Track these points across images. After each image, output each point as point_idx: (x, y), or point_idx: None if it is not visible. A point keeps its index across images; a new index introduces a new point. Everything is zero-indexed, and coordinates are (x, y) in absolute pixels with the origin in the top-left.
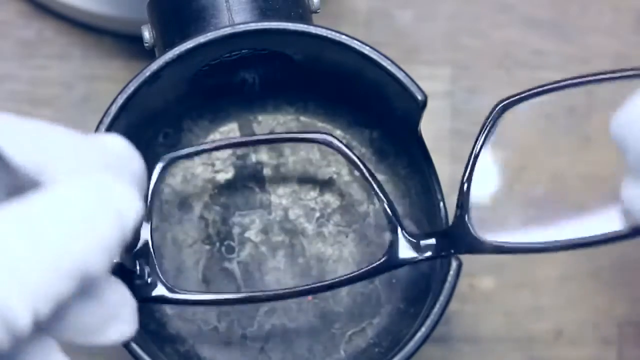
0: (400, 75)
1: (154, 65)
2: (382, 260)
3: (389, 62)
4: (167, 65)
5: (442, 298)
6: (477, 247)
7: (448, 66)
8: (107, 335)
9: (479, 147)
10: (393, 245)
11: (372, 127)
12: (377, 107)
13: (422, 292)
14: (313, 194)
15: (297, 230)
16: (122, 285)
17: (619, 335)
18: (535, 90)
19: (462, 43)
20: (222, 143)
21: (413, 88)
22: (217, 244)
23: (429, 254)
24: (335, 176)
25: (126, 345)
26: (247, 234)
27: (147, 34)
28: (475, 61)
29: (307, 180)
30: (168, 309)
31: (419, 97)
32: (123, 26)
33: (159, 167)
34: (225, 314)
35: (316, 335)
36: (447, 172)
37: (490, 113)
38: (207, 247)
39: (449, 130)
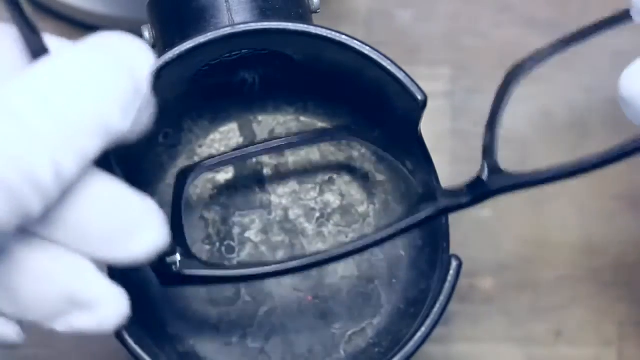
0: (400, 75)
1: (154, 65)
2: (428, 209)
3: (389, 62)
4: (167, 65)
5: (442, 298)
6: (509, 183)
7: (448, 66)
8: (133, 245)
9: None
10: (432, 195)
11: (372, 127)
12: (377, 107)
13: (422, 292)
14: (313, 194)
15: (297, 230)
16: (144, 194)
17: (619, 335)
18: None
19: (462, 43)
20: (254, 150)
21: (413, 88)
22: (217, 244)
23: (468, 198)
24: (335, 176)
25: (126, 345)
26: (247, 234)
27: (147, 34)
28: (475, 61)
29: (307, 180)
30: (168, 309)
31: (419, 97)
32: (123, 26)
33: (192, 177)
34: (226, 314)
35: (316, 335)
36: (447, 172)
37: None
38: (207, 247)
39: (449, 130)
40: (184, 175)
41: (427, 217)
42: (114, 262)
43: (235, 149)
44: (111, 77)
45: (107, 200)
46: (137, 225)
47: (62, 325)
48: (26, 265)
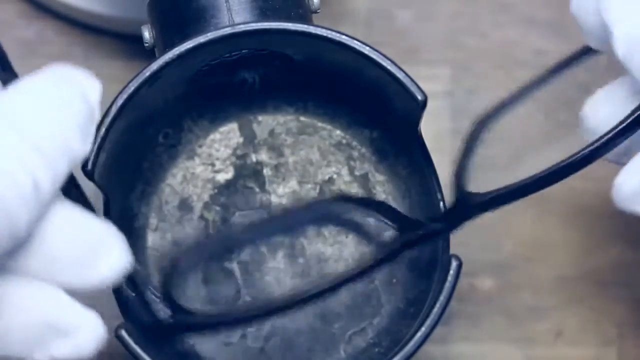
0: (400, 75)
1: (154, 65)
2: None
3: (389, 62)
4: (167, 65)
5: (442, 298)
6: (484, 206)
7: (448, 66)
8: (100, 269)
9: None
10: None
11: (372, 127)
12: (377, 107)
13: (422, 292)
14: (313, 194)
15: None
16: (105, 220)
17: (619, 335)
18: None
19: (462, 43)
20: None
21: (413, 88)
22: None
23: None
24: (335, 176)
25: (126, 345)
26: None
27: (147, 34)
28: (475, 61)
29: (307, 180)
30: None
31: (419, 97)
32: (123, 26)
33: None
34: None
35: (316, 335)
36: (447, 172)
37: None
38: None
39: (449, 130)
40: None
41: (402, 247)
42: (83, 287)
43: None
44: (69, 103)
45: (71, 227)
46: (101, 249)
47: (42, 355)
48: (1, 300)
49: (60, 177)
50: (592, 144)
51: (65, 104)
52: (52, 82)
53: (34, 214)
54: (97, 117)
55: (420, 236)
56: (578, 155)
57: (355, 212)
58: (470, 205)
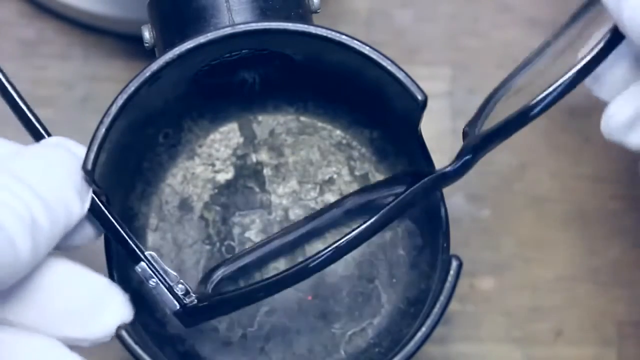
0: (400, 75)
1: (154, 65)
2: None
3: (389, 62)
4: (167, 65)
5: (442, 298)
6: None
7: (448, 66)
8: (99, 323)
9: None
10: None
11: (372, 127)
12: (377, 107)
13: (422, 292)
14: (313, 194)
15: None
16: (104, 276)
17: (619, 335)
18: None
19: (462, 43)
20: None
21: (413, 88)
22: (217, 244)
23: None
24: (335, 176)
25: (126, 345)
26: (247, 234)
27: (147, 34)
28: (475, 61)
29: (307, 180)
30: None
31: (419, 97)
32: (123, 26)
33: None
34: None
35: (316, 335)
36: None
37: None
38: (207, 247)
39: (449, 130)
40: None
41: (418, 192)
42: (82, 339)
43: (256, 246)
44: (69, 168)
45: (71, 281)
46: (101, 302)
47: None
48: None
49: (58, 227)
50: (572, 71)
51: (65, 168)
52: (52, 150)
53: (33, 247)
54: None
55: (432, 181)
56: (560, 84)
57: (378, 199)
58: (475, 146)
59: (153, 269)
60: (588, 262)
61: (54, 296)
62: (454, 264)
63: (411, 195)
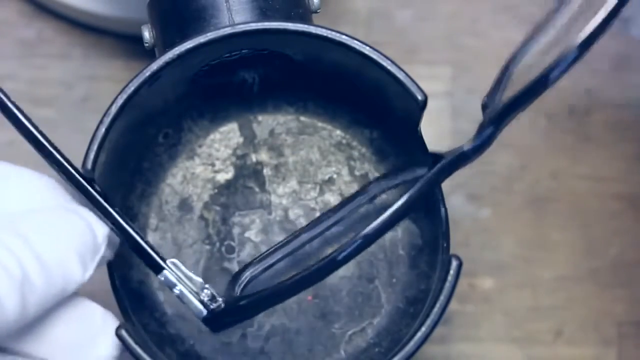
0: (400, 75)
1: (154, 65)
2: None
3: (389, 62)
4: (167, 65)
5: (442, 298)
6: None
7: (448, 66)
8: (98, 354)
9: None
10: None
11: (372, 127)
12: (377, 107)
13: (422, 292)
14: (313, 194)
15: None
16: (98, 305)
17: (619, 335)
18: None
19: (462, 43)
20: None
21: (413, 88)
22: (217, 244)
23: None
24: (335, 176)
25: (126, 345)
26: (247, 234)
27: (147, 34)
28: (475, 61)
29: (307, 180)
30: (168, 309)
31: (419, 97)
32: (123, 26)
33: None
34: None
35: (316, 335)
36: None
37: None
38: (207, 247)
39: (449, 130)
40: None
41: (445, 168)
42: None
43: (282, 243)
44: (74, 232)
45: (75, 314)
46: (97, 336)
47: None
48: None
49: (53, 289)
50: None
51: (72, 234)
52: (65, 214)
53: (22, 304)
54: (101, 254)
55: (457, 157)
56: (584, 37)
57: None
58: (496, 115)
59: (177, 277)
60: (588, 262)
61: (64, 330)
62: (454, 263)
63: (437, 173)
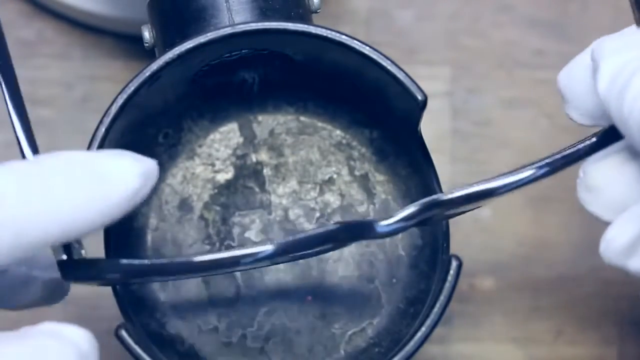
0: (400, 75)
1: (154, 65)
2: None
3: (389, 62)
4: (167, 65)
5: (442, 298)
6: None
7: (448, 66)
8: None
9: None
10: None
11: (372, 127)
12: (377, 107)
13: (422, 292)
14: (313, 194)
15: (297, 230)
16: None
17: (619, 335)
18: None
19: (462, 43)
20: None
21: (413, 88)
22: (217, 244)
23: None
24: (335, 176)
25: (126, 345)
26: (247, 234)
27: (147, 34)
28: (475, 61)
29: (307, 180)
30: (168, 309)
31: (419, 97)
32: (123, 26)
33: None
34: (225, 314)
35: (316, 335)
36: (447, 172)
37: None
38: (207, 247)
39: (449, 130)
40: None
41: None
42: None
43: None
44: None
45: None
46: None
47: None
48: None
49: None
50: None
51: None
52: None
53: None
54: None
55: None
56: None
57: None
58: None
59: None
60: (588, 262)
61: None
62: (454, 263)
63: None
